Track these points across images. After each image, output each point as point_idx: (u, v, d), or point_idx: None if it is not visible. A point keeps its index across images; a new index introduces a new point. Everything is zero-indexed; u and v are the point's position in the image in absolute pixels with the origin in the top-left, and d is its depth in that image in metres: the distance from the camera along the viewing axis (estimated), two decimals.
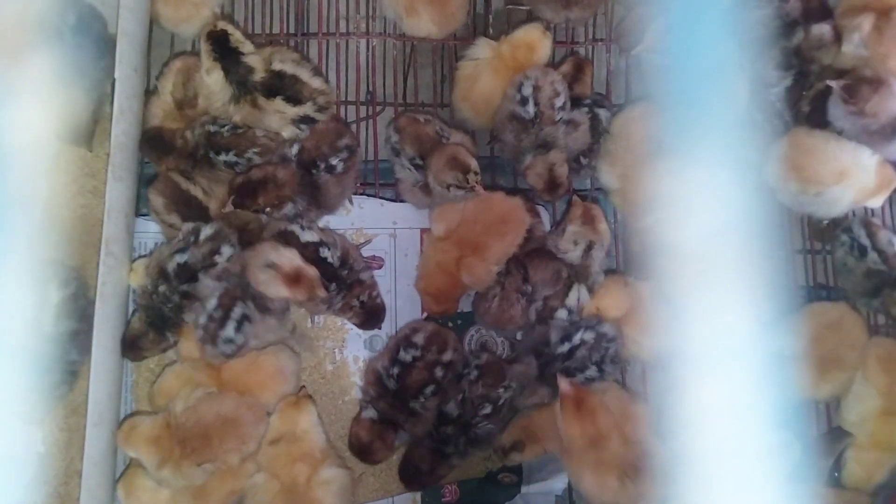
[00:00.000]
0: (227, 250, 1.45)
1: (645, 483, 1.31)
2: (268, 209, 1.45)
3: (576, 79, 1.61)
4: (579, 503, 1.56)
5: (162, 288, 1.43)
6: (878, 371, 1.49)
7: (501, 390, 1.43)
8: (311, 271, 1.38)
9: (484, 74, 1.59)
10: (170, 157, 1.51)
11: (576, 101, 1.59)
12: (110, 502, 1.45)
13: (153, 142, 1.53)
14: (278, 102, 1.52)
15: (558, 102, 1.52)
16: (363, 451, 1.46)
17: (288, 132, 1.55)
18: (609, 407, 1.37)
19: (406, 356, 1.43)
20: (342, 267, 1.45)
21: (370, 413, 1.45)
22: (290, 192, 1.46)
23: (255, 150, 1.51)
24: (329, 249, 1.44)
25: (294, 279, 1.36)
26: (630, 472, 1.31)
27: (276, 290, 1.37)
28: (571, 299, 1.50)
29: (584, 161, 1.61)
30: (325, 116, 1.56)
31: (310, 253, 1.42)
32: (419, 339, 1.44)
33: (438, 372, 1.43)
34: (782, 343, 1.47)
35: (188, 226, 1.46)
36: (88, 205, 1.59)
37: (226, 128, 1.51)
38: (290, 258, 1.37)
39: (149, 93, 1.60)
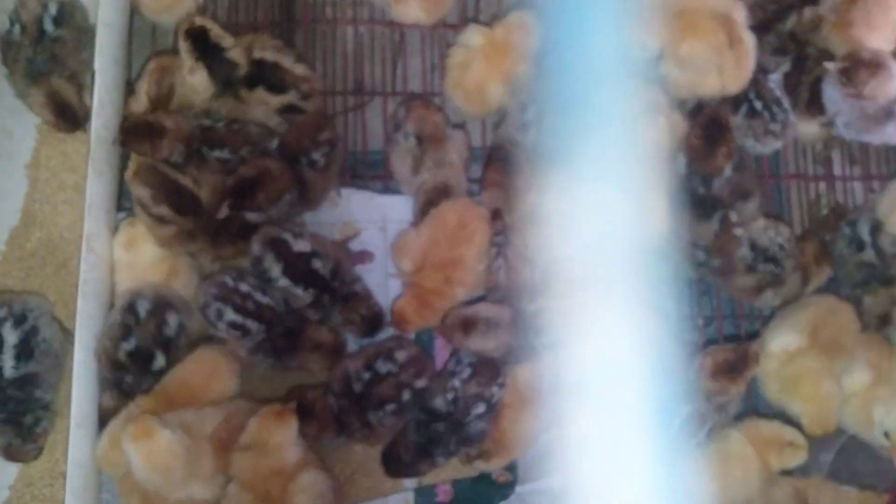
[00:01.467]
0: (173, 318, 1.40)
1: None
2: (267, 205, 1.40)
3: None
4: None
5: (128, 378, 1.38)
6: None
7: (496, 388, 1.40)
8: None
9: (476, 62, 1.55)
10: (164, 140, 1.40)
11: None
12: None
13: (140, 130, 1.42)
14: (260, 92, 1.47)
15: None
16: (300, 408, 1.37)
17: (275, 123, 1.51)
18: None
19: (382, 367, 1.40)
20: (333, 279, 1.42)
21: (332, 401, 1.41)
22: (285, 184, 1.42)
23: (249, 147, 1.46)
24: (321, 261, 1.41)
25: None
26: None
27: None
28: None
29: None
30: (310, 104, 1.52)
31: (301, 264, 1.39)
32: (401, 356, 1.41)
33: (406, 395, 1.40)
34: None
35: (121, 302, 1.40)
36: (69, 200, 1.56)
37: (220, 123, 1.47)
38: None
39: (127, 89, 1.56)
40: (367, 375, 1.40)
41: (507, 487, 1.49)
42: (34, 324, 1.41)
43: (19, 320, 1.40)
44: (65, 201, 1.56)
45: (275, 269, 1.38)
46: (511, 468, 1.50)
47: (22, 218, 1.56)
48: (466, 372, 1.41)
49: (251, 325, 1.38)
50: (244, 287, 1.39)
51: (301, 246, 1.40)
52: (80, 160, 1.55)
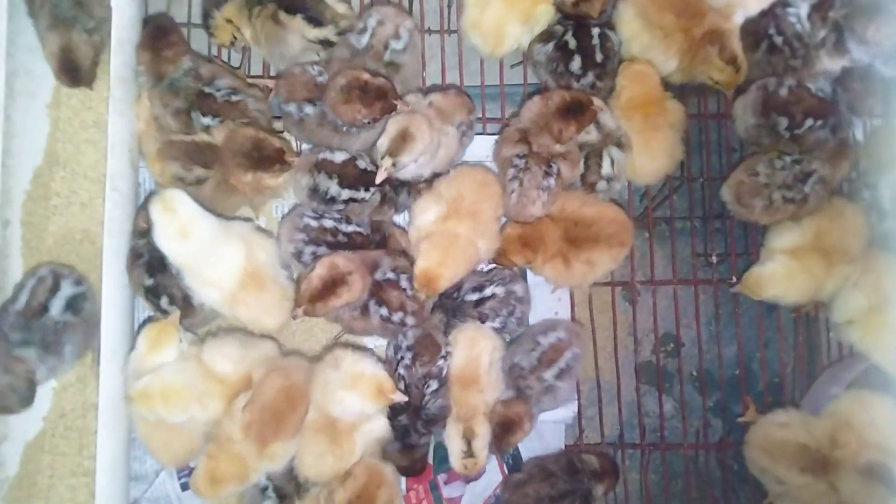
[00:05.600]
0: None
1: None
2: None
3: None
4: (588, 431, 1.58)
5: None
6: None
7: (441, 361, 1.40)
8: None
9: (494, 1, 1.53)
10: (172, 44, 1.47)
11: (582, 24, 1.53)
12: (126, 435, 1.48)
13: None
14: (298, 21, 1.48)
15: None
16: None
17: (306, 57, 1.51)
18: None
19: (404, 281, 1.41)
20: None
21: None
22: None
23: (244, 119, 1.46)
24: (364, 161, 1.44)
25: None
26: None
27: None
28: (606, 167, 1.49)
29: (599, 85, 1.56)
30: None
31: (351, 169, 1.41)
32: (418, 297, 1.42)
33: (395, 317, 1.40)
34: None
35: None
36: (91, 139, 1.57)
37: (221, 92, 1.47)
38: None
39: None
40: (390, 275, 1.40)
41: None
42: (86, 292, 1.46)
43: (78, 282, 1.46)
44: (87, 140, 1.57)
45: (332, 186, 1.40)
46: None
47: (45, 157, 1.56)
48: (408, 356, 1.39)
49: None
50: (329, 223, 1.42)
51: (340, 156, 1.42)
52: (100, 99, 1.55)
